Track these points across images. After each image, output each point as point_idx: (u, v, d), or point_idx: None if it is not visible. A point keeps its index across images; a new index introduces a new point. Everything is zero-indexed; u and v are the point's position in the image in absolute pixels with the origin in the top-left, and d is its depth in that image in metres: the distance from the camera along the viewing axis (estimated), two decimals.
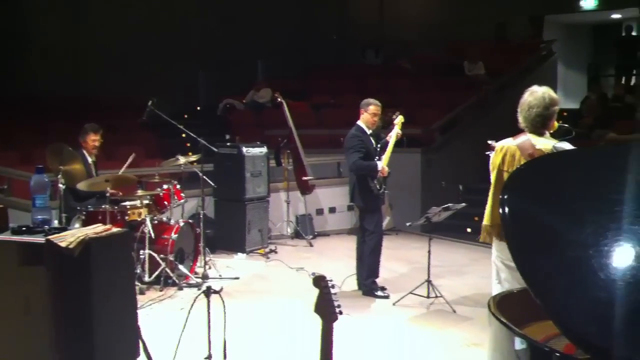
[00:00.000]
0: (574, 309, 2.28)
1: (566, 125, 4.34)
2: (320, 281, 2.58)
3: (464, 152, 10.66)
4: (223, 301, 3.88)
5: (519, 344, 2.49)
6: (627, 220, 2.59)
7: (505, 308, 2.81)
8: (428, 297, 6.16)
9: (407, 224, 6.71)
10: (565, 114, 12.00)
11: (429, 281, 6.20)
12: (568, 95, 14.10)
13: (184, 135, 7.97)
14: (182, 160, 7.13)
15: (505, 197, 2.67)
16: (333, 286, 2.61)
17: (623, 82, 13.60)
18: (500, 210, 2.62)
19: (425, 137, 10.93)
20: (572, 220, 2.64)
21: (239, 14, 13.75)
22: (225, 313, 3.84)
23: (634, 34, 14.51)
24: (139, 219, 6.52)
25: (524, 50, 13.57)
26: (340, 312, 2.57)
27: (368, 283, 6.45)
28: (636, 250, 2.46)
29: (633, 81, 13.44)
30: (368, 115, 6.43)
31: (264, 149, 8.65)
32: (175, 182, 7.07)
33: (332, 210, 9.77)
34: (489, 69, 12.60)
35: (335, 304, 2.57)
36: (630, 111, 10.78)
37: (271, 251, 8.29)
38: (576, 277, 2.38)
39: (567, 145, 3.96)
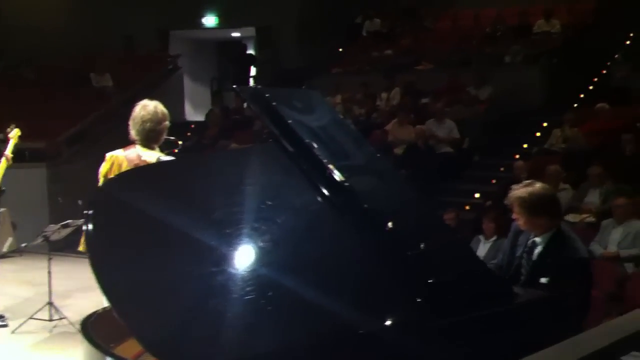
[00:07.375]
0: (151, 323, 2.34)
1: (172, 137, 4.52)
2: None
3: (95, 165, 10.37)
4: None
5: None
6: (234, 227, 2.69)
7: (102, 326, 2.78)
8: (51, 320, 5.85)
9: (22, 244, 6.32)
10: (192, 126, 12.56)
11: (50, 303, 5.91)
12: (195, 108, 14.74)
13: None
14: None
15: (91, 212, 2.62)
16: None
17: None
18: (84, 227, 2.57)
19: (51, 149, 10.40)
20: (159, 234, 2.63)
21: None
22: None
23: (250, 51, 15.82)
24: None
25: (152, 64, 13.83)
26: None
27: None
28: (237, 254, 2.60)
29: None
30: None
31: None
32: None
33: None
34: (117, 80, 12.52)
35: None
36: (249, 122, 11.73)
37: None
38: (157, 292, 2.43)
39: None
